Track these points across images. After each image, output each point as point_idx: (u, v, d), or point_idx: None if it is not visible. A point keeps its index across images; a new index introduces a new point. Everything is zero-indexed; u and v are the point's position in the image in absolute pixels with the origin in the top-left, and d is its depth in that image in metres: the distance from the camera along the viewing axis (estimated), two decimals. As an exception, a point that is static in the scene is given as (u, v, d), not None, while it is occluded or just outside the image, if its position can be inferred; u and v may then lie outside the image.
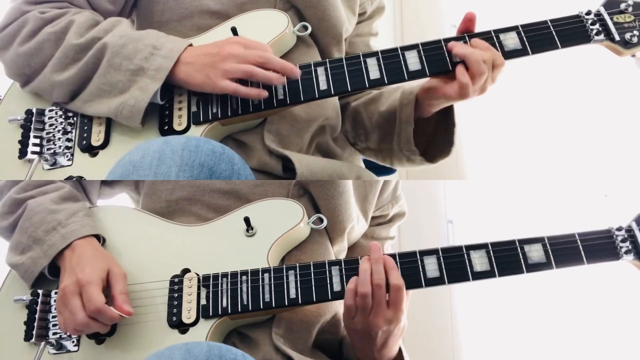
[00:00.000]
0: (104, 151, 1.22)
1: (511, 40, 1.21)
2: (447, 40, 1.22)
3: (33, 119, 1.25)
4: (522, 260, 1.14)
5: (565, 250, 1.15)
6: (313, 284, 1.15)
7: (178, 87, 1.21)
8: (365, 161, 1.49)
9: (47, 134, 1.24)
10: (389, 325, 1.12)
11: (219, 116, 1.19)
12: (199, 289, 1.17)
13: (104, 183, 1.34)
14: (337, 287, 1.15)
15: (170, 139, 1.09)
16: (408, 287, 1.13)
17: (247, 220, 1.20)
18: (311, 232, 1.25)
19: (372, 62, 1.21)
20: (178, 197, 1.26)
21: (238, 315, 1.15)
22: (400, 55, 1.21)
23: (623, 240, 1.16)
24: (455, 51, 1.19)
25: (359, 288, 1.11)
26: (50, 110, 1.26)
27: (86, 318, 1.10)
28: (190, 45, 1.20)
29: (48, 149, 1.24)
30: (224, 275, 1.17)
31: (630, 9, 1.23)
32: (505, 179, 2.46)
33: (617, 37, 1.21)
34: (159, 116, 1.21)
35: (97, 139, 1.22)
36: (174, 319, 1.15)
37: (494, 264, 1.14)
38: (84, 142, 1.22)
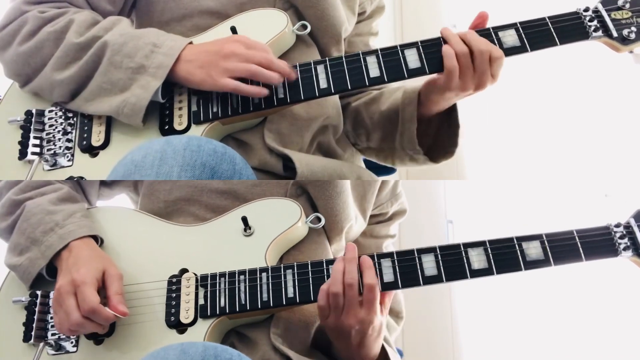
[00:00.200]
0: (105, 151, 1.22)
1: (510, 38, 1.21)
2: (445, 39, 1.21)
3: (33, 119, 1.25)
4: (520, 257, 1.14)
5: (563, 247, 1.14)
6: (311, 283, 1.15)
7: (178, 86, 1.21)
8: (365, 161, 1.49)
9: (47, 134, 1.24)
10: (362, 325, 1.11)
11: (220, 115, 1.19)
12: (197, 288, 1.17)
13: (103, 184, 1.34)
14: None
15: (172, 138, 1.09)
16: (406, 285, 1.13)
17: (244, 219, 1.20)
18: (309, 232, 1.25)
19: (371, 60, 1.21)
20: (176, 197, 1.26)
21: (236, 315, 1.15)
22: (400, 53, 1.21)
23: (621, 237, 1.15)
24: (444, 33, 1.20)
25: (331, 287, 1.10)
26: (50, 111, 1.25)
27: (81, 318, 1.10)
28: (191, 43, 1.20)
29: (48, 150, 1.24)
30: (222, 275, 1.17)
31: (627, 6, 1.22)
32: (505, 179, 2.46)
33: (615, 34, 1.21)
34: (159, 116, 1.21)
35: (97, 139, 1.22)
36: (172, 319, 1.15)
37: (492, 261, 1.14)
38: (84, 142, 1.22)
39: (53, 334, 1.18)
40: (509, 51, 1.20)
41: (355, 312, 1.10)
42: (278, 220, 1.21)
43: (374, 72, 1.20)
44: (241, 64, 1.16)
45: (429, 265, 1.14)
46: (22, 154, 1.24)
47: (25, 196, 1.24)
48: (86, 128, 1.23)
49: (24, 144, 1.24)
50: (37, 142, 1.24)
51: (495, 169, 2.52)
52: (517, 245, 1.15)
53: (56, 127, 1.25)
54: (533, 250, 1.14)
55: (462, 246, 1.15)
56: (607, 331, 2.10)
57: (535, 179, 2.39)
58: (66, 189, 1.27)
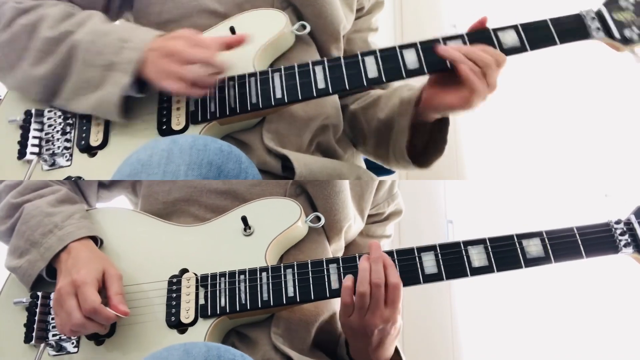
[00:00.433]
0: (103, 151, 1.22)
1: (509, 38, 1.21)
2: (445, 39, 1.22)
3: (32, 119, 1.25)
4: (520, 255, 1.14)
5: (563, 245, 1.14)
6: (311, 282, 1.15)
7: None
8: (365, 161, 1.49)
9: (46, 134, 1.24)
10: (386, 324, 1.12)
11: (217, 115, 1.19)
12: (197, 288, 1.17)
13: (102, 186, 1.34)
14: (334, 285, 1.15)
15: (177, 137, 1.09)
16: (406, 284, 1.13)
17: (244, 219, 1.20)
18: (309, 231, 1.25)
19: (370, 61, 1.21)
20: (175, 198, 1.26)
21: (236, 314, 1.15)
22: (399, 54, 1.21)
23: (622, 234, 1.16)
24: (443, 54, 1.19)
25: (358, 287, 1.11)
26: (50, 111, 1.26)
27: (82, 318, 1.10)
28: (162, 35, 1.19)
29: (47, 150, 1.24)
30: (222, 274, 1.17)
31: (630, 7, 1.23)
32: (505, 179, 2.46)
33: (617, 35, 1.22)
34: (157, 115, 1.21)
35: (95, 139, 1.22)
36: (173, 319, 1.15)
37: (492, 259, 1.14)
38: (83, 142, 1.22)
39: (54, 335, 1.18)
40: (509, 51, 1.21)
41: (380, 312, 1.11)
42: (278, 220, 1.21)
43: (372, 72, 1.20)
44: (177, 68, 1.14)
45: (429, 263, 1.15)
46: (21, 154, 1.24)
47: (24, 199, 1.24)
48: (84, 128, 1.24)
49: (23, 143, 1.24)
50: (36, 142, 1.24)
51: (495, 169, 2.52)
52: (517, 243, 1.15)
53: (55, 127, 1.25)
54: (533, 247, 1.15)
55: (462, 244, 1.16)
56: (607, 330, 2.10)
57: (536, 179, 2.39)
58: (64, 191, 1.27)
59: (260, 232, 1.21)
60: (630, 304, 2.05)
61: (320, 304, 1.20)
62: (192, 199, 1.25)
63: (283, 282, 1.15)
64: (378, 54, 1.21)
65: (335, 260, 1.17)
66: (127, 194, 1.36)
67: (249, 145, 1.23)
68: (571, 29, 1.22)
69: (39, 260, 1.18)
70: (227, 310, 1.15)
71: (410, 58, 1.21)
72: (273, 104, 1.19)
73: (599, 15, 1.23)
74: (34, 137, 1.24)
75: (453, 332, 2.42)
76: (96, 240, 1.22)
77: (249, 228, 1.21)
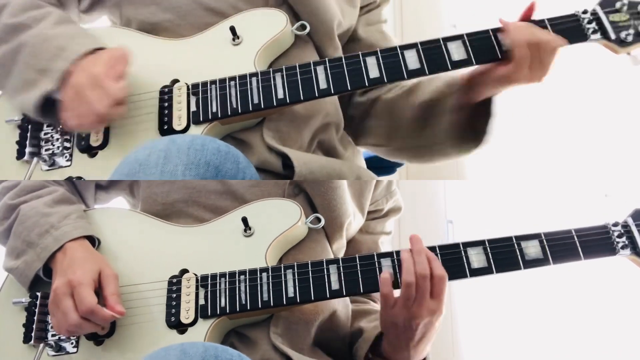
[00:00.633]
0: (103, 151, 1.21)
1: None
2: (447, 39, 1.22)
3: (31, 119, 1.24)
4: (519, 256, 1.15)
5: (562, 246, 1.15)
6: (311, 282, 1.15)
7: (178, 86, 1.22)
8: (366, 160, 1.49)
9: (45, 134, 1.24)
10: (432, 316, 1.12)
11: (219, 115, 1.19)
12: (197, 289, 1.17)
13: (99, 187, 1.34)
14: (335, 285, 1.15)
15: (175, 137, 1.09)
16: None
17: (244, 220, 1.20)
18: (309, 231, 1.25)
19: (371, 62, 1.21)
20: (174, 199, 1.26)
21: (236, 314, 1.15)
22: (400, 54, 1.21)
23: (619, 236, 1.16)
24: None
25: (404, 277, 1.11)
26: (49, 111, 1.26)
27: (79, 319, 1.10)
28: (101, 48, 1.20)
29: (46, 150, 1.23)
30: (222, 275, 1.17)
31: (625, 8, 1.23)
32: (505, 179, 2.46)
33: (612, 36, 1.22)
34: (158, 115, 1.21)
35: (95, 139, 1.22)
36: (173, 319, 1.15)
37: (491, 260, 1.15)
38: (83, 142, 1.22)
39: (53, 335, 1.18)
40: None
41: (427, 303, 1.11)
42: (278, 221, 1.21)
43: (374, 72, 1.20)
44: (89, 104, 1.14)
45: (430, 264, 1.15)
46: (20, 154, 1.24)
47: (21, 200, 1.24)
48: (84, 128, 1.24)
49: (21, 143, 1.24)
50: (35, 142, 1.24)
51: (495, 169, 2.52)
52: (516, 245, 1.16)
53: (54, 127, 1.25)
54: (532, 249, 1.15)
55: (461, 245, 1.16)
56: (606, 330, 2.10)
57: (535, 179, 2.39)
58: (62, 191, 1.27)
59: (261, 233, 1.21)
60: (628, 305, 2.06)
61: (320, 304, 1.20)
62: (191, 199, 1.25)
63: (283, 282, 1.15)
64: (379, 54, 1.21)
65: (335, 260, 1.17)
66: (125, 196, 1.36)
67: (249, 144, 1.23)
68: (567, 29, 1.22)
69: (35, 260, 1.18)
70: (227, 311, 1.15)
71: (411, 58, 1.21)
72: (275, 104, 1.19)
73: (595, 15, 1.23)
74: (33, 137, 1.24)
75: (453, 332, 2.43)
76: (93, 241, 1.22)
77: (249, 229, 1.21)
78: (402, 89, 1.39)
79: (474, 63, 1.22)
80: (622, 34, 1.22)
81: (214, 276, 1.17)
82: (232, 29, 1.24)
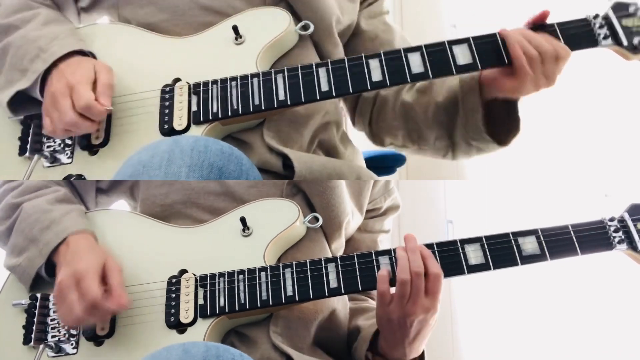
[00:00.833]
0: (104, 149, 1.21)
1: None
2: (452, 42, 1.21)
3: (33, 116, 1.25)
4: (516, 252, 1.15)
5: (559, 242, 1.16)
6: (310, 281, 1.15)
7: (179, 85, 1.22)
8: (366, 160, 1.49)
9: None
10: (426, 313, 1.12)
11: (220, 116, 1.19)
12: (196, 288, 1.17)
13: (100, 191, 1.34)
14: (333, 283, 1.15)
15: (179, 139, 1.09)
16: None
17: (243, 220, 1.20)
18: (307, 231, 1.25)
19: (374, 64, 1.20)
20: (173, 200, 1.26)
21: (236, 314, 1.15)
22: (404, 58, 1.20)
23: (616, 231, 1.17)
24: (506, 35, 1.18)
25: (399, 275, 1.11)
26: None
27: (84, 312, 1.10)
28: (80, 51, 1.21)
29: (48, 147, 1.24)
30: (221, 275, 1.17)
31: (639, 13, 1.22)
32: (505, 179, 2.46)
33: (625, 42, 1.20)
34: (159, 115, 1.21)
35: (96, 137, 1.22)
36: (172, 319, 1.15)
37: (489, 256, 1.15)
38: (84, 140, 1.22)
39: (53, 336, 1.18)
40: None
41: (421, 301, 1.11)
42: (276, 221, 1.22)
43: (376, 75, 1.20)
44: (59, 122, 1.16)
45: (427, 262, 1.15)
46: (22, 150, 1.24)
47: (23, 199, 1.25)
48: (86, 126, 1.24)
49: (23, 139, 1.25)
50: (37, 138, 1.24)
51: (495, 169, 2.52)
52: (513, 241, 1.16)
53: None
54: (529, 245, 1.16)
55: (458, 242, 1.16)
56: (606, 328, 2.10)
57: (535, 179, 2.39)
58: (64, 191, 1.27)
59: (259, 233, 1.21)
60: (628, 301, 2.05)
61: (319, 303, 1.20)
62: (189, 201, 1.25)
63: (282, 281, 1.15)
64: (383, 56, 1.20)
65: (333, 259, 1.17)
66: (126, 199, 1.36)
67: (250, 144, 1.23)
68: (578, 34, 1.21)
69: (37, 256, 1.18)
70: (227, 310, 1.15)
71: (415, 62, 1.20)
72: (276, 105, 1.19)
73: (607, 20, 1.21)
74: (35, 134, 1.24)
75: (453, 332, 2.43)
76: (95, 237, 1.22)
77: (248, 229, 1.21)
78: (417, 89, 1.38)
79: (480, 68, 1.21)
80: (635, 40, 1.20)
81: (212, 276, 1.17)
82: (235, 28, 1.24)
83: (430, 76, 1.20)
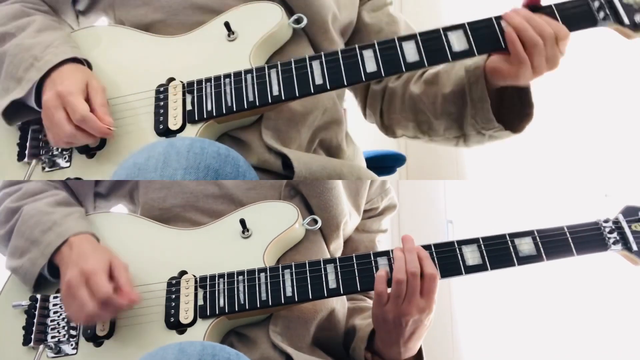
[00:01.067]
0: (101, 152, 1.21)
1: None
2: (447, 29, 1.18)
3: (31, 121, 1.25)
4: (513, 253, 1.16)
5: (555, 243, 1.16)
6: (309, 281, 1.16)
7: (173, 84, 1.22)
8: (366, 160, 1.49)
9: (45, 136, 1.24)
10: (421, 314, 1.13)
11: (214, 114, 1.18)
12: (196, 289, 1.17)
13: (99, 196, 1.34)
14: (332, 284, 1.16)
15: (174, 140, 1.09)
16: None
17: (242, 222, 1.21)
18: (306, 233, 1.25)
19: (368, 55, 1.18)
20: (171, 204, 1.26)
21: (235, 314, 1.15)
22: (398, 46, 1.18)
23: (611, 232, 1.18)
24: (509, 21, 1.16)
25: (395, 274, 1.12)
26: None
27: (97, 308, 1.10)
28: (75, 58, 1.21)
29: (46, 151, 1.24)
30: (221, 275, 1.17)
31: None
32: (505, 179, 2.46)
33: (626, 20, 1.17)
34: (154, 115, 1.21)
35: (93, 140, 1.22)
36: (172, 319, 1.15)
37: (486, 257, 1.16)
38: None
39: (53, 337, 1.19)
40: None
41: (416, 301, 1.12)
42: (275, 223, 1.22)
43: (371, 66, 1.18)
44: (61, 133, 1.17)
45: (425, 262, 1.15)
46: (21, 155, 1.25)
47: (22, 202, 1.25)
48: (82, 129, 1.24)
49: (22, 145, 1.25)
50: (35, 143, 1.24)
51: (495, 169, 2.52)
52: (509, 242, 1.17)
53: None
54: (525, 246, 1.16)
55: (456, 243, 1.17)
56: (605, 329, 2.10)
57: (535, 179, 2.38)
58: (63, 194, 1.28)
59: (258, 235, 1.21)
60: (626, 302, 2.05)
61: (319, 302, 1.21)
62: (188, 204, 1.25)
63: (281, 282, 1.16)
64: (377, 46, 1.19)
65: (332, 260, 1.17)
66: (126, 203, 1.36)
67: (248, 144, 1.23)
68: (577, 14, 1.18)
69: (39, 257, 1.18)
70: (226, 311, 1.15)
71: (410, 50, 1.18)
72: (270, 101, 1.18)
73: None
74: (33, 139, 1.25)
75: (453, 332, 2.43)
76: (97, 238, 1.22)
77: (247, 231, 1.21)
78: (423, 80, 1.36)
79: (476, 54, 1.18)
80: (637, 18, 1.17)
81: (212, 277, 1.18)
82: (227, 25, 1.23)
83: (426, 64, 1.18)
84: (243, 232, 1.21)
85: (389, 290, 1.14)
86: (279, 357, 1.16)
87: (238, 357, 1.00)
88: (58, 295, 1.21)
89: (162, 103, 1.21)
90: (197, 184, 1.25)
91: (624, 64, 2.12)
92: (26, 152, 1.24)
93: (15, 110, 1.24)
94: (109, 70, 1.25)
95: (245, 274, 1.17)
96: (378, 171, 1.49)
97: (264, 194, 1.26)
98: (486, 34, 1.18)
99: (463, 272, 1.16)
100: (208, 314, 1.15)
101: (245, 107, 1.18)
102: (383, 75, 1.18)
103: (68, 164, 1.23)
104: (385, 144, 1.76)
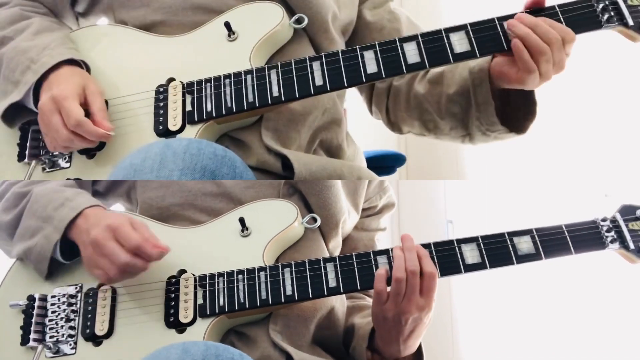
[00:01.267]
0: (101, 153, 1.21)
1: None
2: (449, 30, 1.18)
3: (31, 122, 1.25)
4: (512, 251, 1.17)
5: (553, 241, 1.17)
6: (309, 280, 1.16)
7: (173, 85, 1.22)
8: (366, 160, 1.49)
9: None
10: (421, 312, 1.13)
11: (214, 115, 1.18)
12: (195, 288, 1.17)
13: (97, 193, 1.34)
14: (332, 283, 1.16)
15: (171, 141, 1.09)
16: None
17: (242, 220, 1.20)
18: (305, 231, 1.25)
19: (369, 56, 1.18)
20: (170, 203, 1.26)
21: (235, 313, 1.15)
22: (399, 48, 1.18)
23: (608, 230, 1.19)
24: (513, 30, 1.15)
25: (394, 273, 1.12)
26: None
27: (129, 257, 1.11)
28: (71, 60, 1.21)
29: (46, 152, 1.24)
30: (220, 274, 1.17)
31: None
32: (505, 179, 2.46)
33: (631, 22, 1.16)
34: (154, 116, 1.21)
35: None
36: (172, 319, 1.15)
37: (485, 256, 1.16)
38: None
39: (51, 337, 1.18)
40: None
41: (416, 300, 1.12)
42: (275, 221, 1.22)
43: (371, 67, 1.18)
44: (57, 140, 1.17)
45: (425, 261, 1.15)
46: (21, 156, 1.25)
47: (31, 186, 1.25)
48: (82, 130, 1.24)
49: (22, 145, 1.25)
50: (35, 144, 1.24)
51: (495, 169, 2.52)
52: (508, 240, 1.17)
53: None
54: (524, 244, 1.17)
55: (455, 242, 1.17)
56: (605, 328, 2.10)
57: (535, 179, 2.38)
58: (71, 182, 1.27)
59: (258, 233, 1.21)
60: (626, 301, 2.05)
61: (318, 301, 1.21)
62: (187, 203, 1.25)
63: (281, 280, 1.16)
64: (378, 47, 1.18)
65: (332, 259, 1.17)
66: (123, 202, 1.36)
67: (248, 145, 1.23)
68: (581, 16, 1.17)
69: (53, 232, 1.17)
70: (226, 310, 1.15)
71: (411, 52, 1.18)
72: (270, 102, 1.18)
73: (611, 0, 1.17)
74: (33, 140, 1.25)
75: (453, 331, 2.43)
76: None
77: (247, 229, 1.21)
78: (428, 81, 1.36)
79: (478, 55, 1.17)
80: None
81: (212, 276, 1.18)
82: (227, 25, 1.23)
83: (427, 66, 1.17)
84: (242, 231, 1.21)
85: (389, 288, 1.14)
86: (279, 355, 1.16)
87: (242, 357, 1.00)
88: (56, 294, 1.21)
89: (161, 103, 1.21)
90: (195, 183, 1.25)
91: (623, 64, 2.12)
92: (26, 152, 1.25)
93: (15, 113, 1.24)
94: (108, 70, 1.25)
95: (245, 272, 1.17)
96: (378, 171, 1.49)
97: (262, 193, 1.26)
98: (488, 36, 1.18)
99: (462, 270, 1.16)
100: (208, 313, 1.15)
101: (245, 108, 1.18)
102: (384, 76, 1.18)
103: (68, 165, 1.23)
104: (385, 144, 1.77)
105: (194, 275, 1.18)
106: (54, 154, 1.23)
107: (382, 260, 1.17)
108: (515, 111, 1.28)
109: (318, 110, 1.28)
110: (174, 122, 1.19)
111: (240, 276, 1.17)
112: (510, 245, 1.17)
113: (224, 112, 1.18)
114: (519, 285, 2.26)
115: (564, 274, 2.12)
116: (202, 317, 1.15)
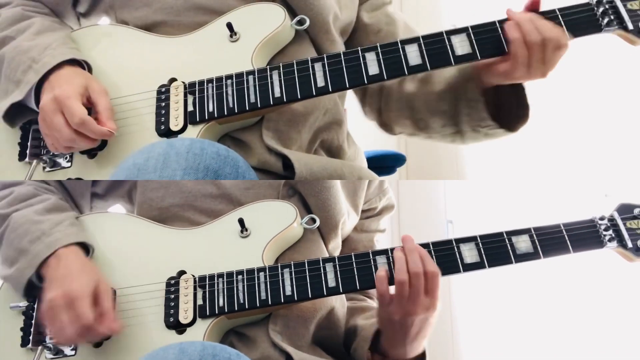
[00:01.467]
0: (102, 152, 1.21)
1: None
2: (450, 32, 1.19)
3: (32, 121, 1.25)
4: (510, 250, 1.17)
5: (551, 240, 1.18)
6: (308, 280, 1.16)
7: (175, 85, 1.22)
8: (367, 160, 1.49)
9: (47, 135, 1.25)
10: (426, 312, 1.13)
11: (216, 115, 1.18)
12: (195, 289, 1.17)
13: (96, 196, 1.34)
14: (331, 283, 1.16)
15: (174, 141, 1.09)
16: None
17: (241, 221, 1.21)
18: (304, 232, 1.25)
19: (371, 58, 1.18)
20: (169, 203, 1.26)
21: (235, 314, 1.15)
22: (400, 50, 1.19)
23: (606, 229, 1.19)
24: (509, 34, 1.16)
25: (397, 276, 1.12)
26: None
27: (75, 335, 1.10)
28: (73, 60, 1.21)
29: (47, 151, 1.24)
30: (220, 275, 1.18)
31: None
32: (505, 179, 2.46)
33: (630, 26, 1.17)
34: (155, 116, 1.21)
35: None
36: (171, 319, 1.15)
37: (484, 255, 1.17)
38: None
39: (51, 339, 1.18)
40: None
41: (421, 300, 1.12)
42: (274, 222, 1.22)
43: (373, 69, 1.18)
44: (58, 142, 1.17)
45: (424, 260, 1.15)
46: (22, 155, 1.25)
47: (12, 209, 1.24)
48: (84, 129, 1.24)
49: (23, 144, 1.25)
50: (36, 143, 1.24)
51: (495, 169, 2.52)
52: (507, 240, 1.18)
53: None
54: (522, 243, 1.18)
55: (454, 242, 1.18)
56: (605, 328, 2.10)
57: (535, 178, 2.38)
58: (54, 199, 1.27)
59: (257, 234, 1.21)
60: (626, 301, 2.05)
61: (318, 301, 1.21)
62: (186, 204, 1.25)
63: (280, 281, 1.16)
64: (379, 49, 1.19)
65: (331, 259, 1.18)
66: (124, 203, 1.36)
67: (249, 145, 1.23)
68: (581, 20, 1.18)
69: (26, 267, 1.17)
70: (226, 310, 1.15)
71: (413, 53, 1.18)
72: (272, 103, 1.18)
73: (611, 4, 1.18)
74: (34, 139, 1.25)
75: (453, 331, 2.43)
76: (87, 248, 1.22)
77: (246, 230, 1.21)
78: (418, 79, 1.36)
79: (479, 58, 1.18)
80: None
81: (211, 277, 1.18)
82: (229, 25, 1.23)
83: (429, 68, 1.18)
84: (242, 232, 1.21)
85: (392, 289, 1.14)
86: (279, 356, 1.16)
87: (239, 357, 1.00)
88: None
89: (163, 104, 1.21)
90: (195, 184, 1.25)
91: (623, 64, 2.12)
92: (27, 152, 1.25)
93: (17, 112, 1.24)
94: (110, 70, 1.25)
95: (245, 273, 1.17)
96: (378, 171, 1.49)
97: (262, 194, 1.26)
98: (489, 38, 1.18)
99: (461, 269, 1.16)
100: (208, 313, 1.15)
101: (247, 108, 1.18)
102: (385, 78, 1.18)
103: (69, 164, 1.23)
104: (385, 144, 1.77)
105: (193, 276, 1.19)
106: (55, 153, 1.23)
107: (381, 260, 1.17)
108: (508, 114, 1.29)
109: (319, 110, 1.28)
110: (176, 122, 1.19)
111: (239, 277, 1.17)
112: (508, 245, 1.17)
113: (225, 113, 1.18)
114: (519, 285, 2.26)
115: (563, 273, 2.12)
116: (202, 317, 1.15)
